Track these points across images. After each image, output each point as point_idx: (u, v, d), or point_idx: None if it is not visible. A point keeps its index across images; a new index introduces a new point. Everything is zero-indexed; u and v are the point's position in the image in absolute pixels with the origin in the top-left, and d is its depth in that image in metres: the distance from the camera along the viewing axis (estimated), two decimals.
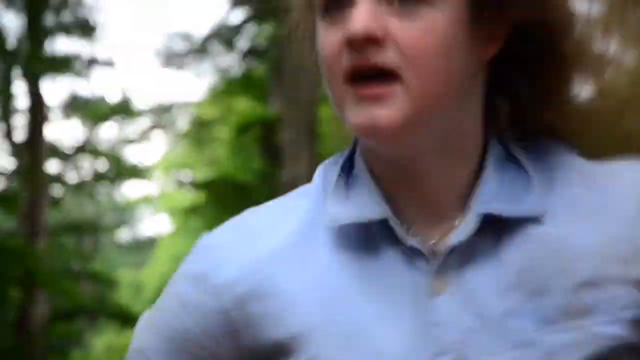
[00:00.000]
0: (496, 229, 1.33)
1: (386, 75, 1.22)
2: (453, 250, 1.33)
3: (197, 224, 33.73)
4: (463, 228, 1.35)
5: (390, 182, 1.44)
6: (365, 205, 1.41)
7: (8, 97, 30.63)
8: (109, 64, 34.13)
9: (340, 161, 1.49)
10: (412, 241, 1.35)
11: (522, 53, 1.36)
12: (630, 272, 1.31)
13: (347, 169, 1.51)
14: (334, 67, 1.29)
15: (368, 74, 1.23)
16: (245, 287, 1.49)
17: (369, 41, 1.21)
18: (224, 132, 31.83)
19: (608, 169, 1.42)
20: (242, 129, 29.39)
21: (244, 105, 30.39)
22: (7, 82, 29.76)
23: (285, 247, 1.50)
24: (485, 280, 1.36)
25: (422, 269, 1.36)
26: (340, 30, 1.24)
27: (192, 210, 33.80)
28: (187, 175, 35.96)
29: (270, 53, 27.06)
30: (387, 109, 1.24)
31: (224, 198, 29.94)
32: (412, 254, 1.36)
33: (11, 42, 29.44)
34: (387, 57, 1.22)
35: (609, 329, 1.31)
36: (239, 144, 30.50)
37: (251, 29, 28.55)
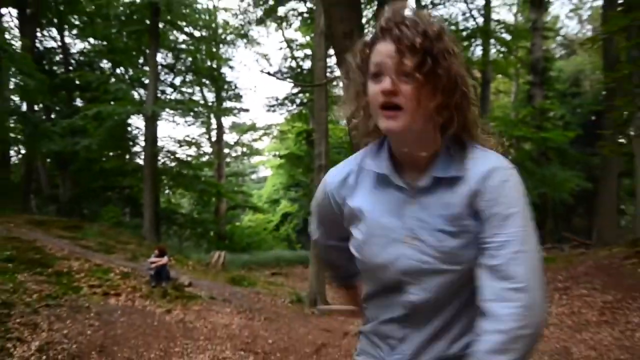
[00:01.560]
0: (439, 182, 1.47)
1: (397, 107, 1.40)
2: (419, 189, 1.49)
3: (282, 172, 35.96)
4: (424, 181, 1.50)
5: (398, 154, 1.56)
6: (382, 165, 1.56)
7: (208, 125, 33.18)
8: (246, 110, 37.11)
9: (377, 144, 1.59)
10: (400, 182, 1.53)
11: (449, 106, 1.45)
12: (474, 207, 1.45)
13: (379, 147, 1.60)
14: (375, 101, 1.45)
15: (389, 105, 1.40)
16: (334, 188, 1.71)
17: (390, 92, 1.39)
18: (291, 135, 33.17)
19: (482, 153, 1.51)
20: (299, 134, 31.47)
21: (299, 124, 31.61)
22: (208, 118, 32.00)
23: (350, 175, 1.68)
24: (430, 205, 1.48)
25: (405, 195, 1.52)
26: (379, 85, 1.41)
27: (278, 166, 35.96)
28: (277, 152, 36.10)
29: (309, 104, 27.79)
30: (396, 122, 1.41)
31: (291, 161, 32.61)
32: (401, 189, 1.52)
33: (209, 102, 31.20)
34: (398, 99, 1.40)
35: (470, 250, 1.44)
36: (297, 139, 31.91)
37: (301, 94, 29.03)
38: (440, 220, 1.51)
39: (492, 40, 26.07)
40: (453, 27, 25.60)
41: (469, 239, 1.48)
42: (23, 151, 25.62)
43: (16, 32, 24.00)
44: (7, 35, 22.08)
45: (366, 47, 1.56)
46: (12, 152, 25.46)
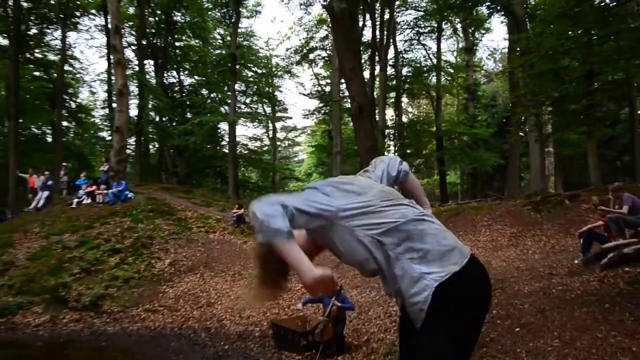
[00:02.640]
0: None
1: None
2: None
3: (313, 156, 33.52)
4: None
5: None
6: None
7: (267, 127, 32.23)
8: (290, 117, 34.97)
9: None
10: None
11: None
12: None
13: None
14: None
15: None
16: None
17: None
18: (319, 133, 31.88)
19: None
20: (323, 132, 30.05)
21: (324, 126, 30.14)
22: (267, 123, 31.20)
23: None
24: None
25: None
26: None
27: (311, 153, 33.80)
28: (310, 143, 33.69)
29: (329, 113, 25.74)
30: None
31: (319, 149, 30.45)
32: None
33: (267, 113, 30.17)
34: None
35: None
36: (322, 135, 30.45)
37: (325, 107, 27.90)
38: None
39: (442, 73, 26.35)
40: (417, 65, 26.30)
41: None
42: (157, 145, 26.59)
43: (152, 73, 25.77)
44: (147, 76, 24.33)
45: None
46: (150, 146, 27.28)
